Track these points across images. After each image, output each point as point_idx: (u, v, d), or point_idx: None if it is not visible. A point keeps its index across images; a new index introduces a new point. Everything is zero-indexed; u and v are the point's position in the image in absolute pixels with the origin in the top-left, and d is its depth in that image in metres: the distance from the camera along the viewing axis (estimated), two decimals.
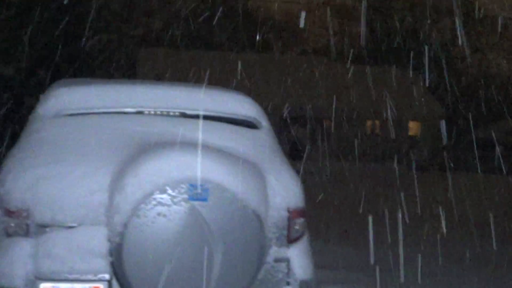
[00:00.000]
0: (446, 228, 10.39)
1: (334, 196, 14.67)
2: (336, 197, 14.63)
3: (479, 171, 23.00)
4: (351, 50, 34.14)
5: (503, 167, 20.58)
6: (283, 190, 4.42)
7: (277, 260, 4.37)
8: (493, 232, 9.71)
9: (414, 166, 30.13)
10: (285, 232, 4.40)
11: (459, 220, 11.89)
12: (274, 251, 4.35)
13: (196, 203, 3.89)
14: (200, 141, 4.14)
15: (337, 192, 15.75)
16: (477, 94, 39.13)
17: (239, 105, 4.98)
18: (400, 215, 8.71)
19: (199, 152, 3.95)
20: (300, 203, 4.50)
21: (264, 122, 4.96)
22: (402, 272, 7.08)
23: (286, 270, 4.39)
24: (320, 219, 10.48)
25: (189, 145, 4.12)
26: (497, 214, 12.88)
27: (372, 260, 7.36)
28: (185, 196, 3.89)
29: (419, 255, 7.52)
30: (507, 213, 14.37)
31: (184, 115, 4.76)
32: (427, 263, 7.88)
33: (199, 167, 3.88)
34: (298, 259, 4.47)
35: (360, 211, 11.95)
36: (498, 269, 8.29)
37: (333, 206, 13.09)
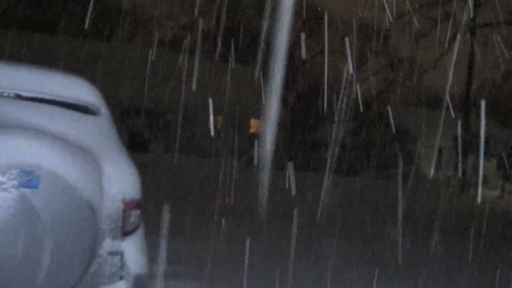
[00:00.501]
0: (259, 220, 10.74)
1: (173, 189, 14.65)
2: (176, 191, 14.60)
3: (310, 170, 23.90)
4: (199, 43, 34.19)
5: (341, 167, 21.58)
6: (120, 181, 4.25)
7: (111, 253, 4.20)
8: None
9: (253, 163, 30.72)
10: (119, 224, 4.24)
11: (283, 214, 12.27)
12: (108, 244, 4.18)
13: (26, 190, 3.65)
14: (33, 125, 3.90)
15: (175, 185, 15.72)
16: (317, 95, 40.57)
17: (78, 89, 4.75)
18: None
19: (32, 136, 3.71)
20: (136, 194, 4.36)
21: (103, 109, 4.76)
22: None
23: (119, 264, 4.24)
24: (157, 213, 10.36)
25: (22, 128, 3.86)
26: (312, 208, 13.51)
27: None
28: (15, 182, 3.63)
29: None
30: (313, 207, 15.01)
31: (19, 97, 4.47)
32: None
33: (30, 152, 3.64)
34: (132, 252, 4.32)
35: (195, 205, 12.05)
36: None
37: (172, 198, 13.02)
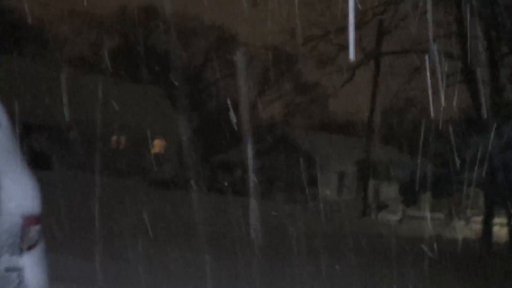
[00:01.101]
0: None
1: (71, 208, 14.38)
2: (74, 209, 14.33)
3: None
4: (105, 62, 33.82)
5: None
6: (19, 195, 4.10)
7: (9, 269, 4.03)
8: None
9: (157, 182, 30.43)
10: (18, 240, 4.08)
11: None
12: (6, 260, 4.00)
13: None
14: None
15: (75, 204, 15.43)
16: (223, 116, 40.68)
17: None
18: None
19: None
20: (36, 209, 4.22)
21: (3, 121, 4.59)
22: None
23: (17, 280, 4.08)
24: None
25: None
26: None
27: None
28: None
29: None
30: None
31: None
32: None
33: None
34: (31, 268, 4.16)
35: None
36: None
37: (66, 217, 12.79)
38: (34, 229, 4.18)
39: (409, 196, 21.73)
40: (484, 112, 18.19)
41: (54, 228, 10.24)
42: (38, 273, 4.22)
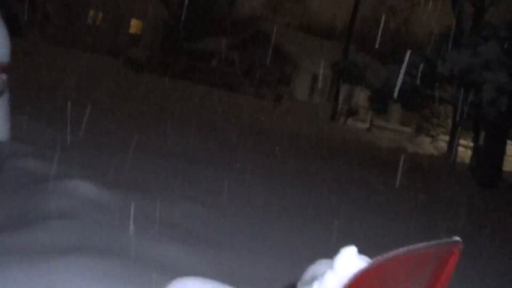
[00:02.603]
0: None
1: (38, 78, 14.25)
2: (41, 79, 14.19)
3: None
4: None
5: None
6: None
7: None
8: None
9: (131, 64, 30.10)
10: None
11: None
12: None
13: None
14: None
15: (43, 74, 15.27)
16: (200, 6, 39.84)
17: None
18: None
19: None
20: (4, 57, 4.09)
21: None
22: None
23: None
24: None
25: None
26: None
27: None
28: None
29: None
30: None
31: None
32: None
33: None
34: None
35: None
36: None
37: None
38: (1, 78, 4.07)
39: (379, 105, 21.81)
40: (466, 30, 18.08)
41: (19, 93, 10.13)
42: (1, 122, 4.14)
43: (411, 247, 1.69)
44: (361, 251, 1.60)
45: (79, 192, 5.24)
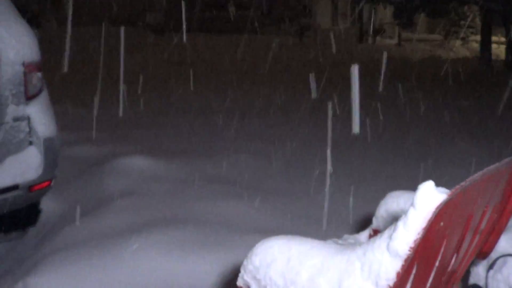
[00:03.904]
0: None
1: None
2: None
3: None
4: None
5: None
6: (16, 43, 4.00)
7: (17, 119, 4.03)
8: None
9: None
10: (22, 89, 4.03)
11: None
12: (12, 110, 3.98)
13: None
14: None
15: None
16: None
17: None
18: None
19: None
20: (36, 56, 4.13)
21: None
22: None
23: (27, 129, 4.08)
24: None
25: None
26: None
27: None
28: None
29: None
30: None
31: None
32: None
33: None
34: (38, 116, 4.16)
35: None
36: None
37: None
38: (36, 76, 4.13)
39: (405, 17, 21.43)
40: None
41: (55, 81, 10.21)
42: (46, 120, 4.22)
43: (485, 170, 1.71)
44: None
45: (135, 169, 5.33)
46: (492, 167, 1.75)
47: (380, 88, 10.36)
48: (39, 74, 4.17)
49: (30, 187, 4.08)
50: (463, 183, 1.58)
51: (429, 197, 1.52)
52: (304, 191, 5.17)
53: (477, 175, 1.65)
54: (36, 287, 3.34)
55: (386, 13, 31.22)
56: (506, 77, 14.98)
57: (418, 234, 1.53)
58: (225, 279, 3.40)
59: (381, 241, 1.63)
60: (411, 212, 1.54)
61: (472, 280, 2.75)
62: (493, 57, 21.10)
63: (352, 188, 5.05)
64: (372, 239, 1.69)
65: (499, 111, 9.94)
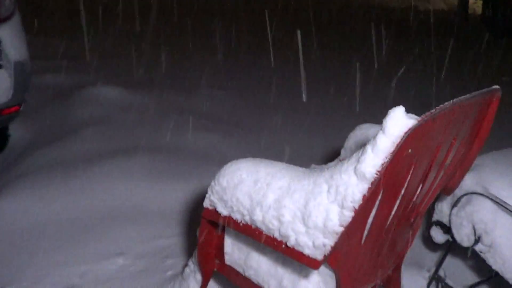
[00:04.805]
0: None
1: None
2: None
3: None
4: None
5: None
6: None
7: None
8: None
9: None
10: None
11: None
12: None
13: None
14: None
15: None
16: None
17: None
18: None
19: None
20: None
21: None
22: None
23: None
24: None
25: None
26: None
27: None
28: None
29: None
30: None
31: None
32: None
33: None
34: (10, 39, 4.06)
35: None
36: None
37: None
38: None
39: None
40: None
41: (27, 10, 9.98)
42: (17, 44, 4.13)
43: (456, 100, 1.72)
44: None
45: (104, 98, 5.28)
46: (463, 97, 1.76)
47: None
48: None
49: None
50: (433, 111, 1.59)
51: (398, 122, 1.53)
52: (273, 127, 5.20)
53: (447, 104, 1.66)
54: (3, 210, 3.33)
55: None
56: (480, 31, 15.04)
57: (386, 158, 1.54)
58: (193, 205, 3.43)
59: (348, 165, 1.64)
60: (380, 136, 1.55)
61: (436, 217, 2.79)
62: (470, 11, 21.06)
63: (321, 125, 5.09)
64: (340, 163, 1.71)
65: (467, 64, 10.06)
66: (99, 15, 10.60)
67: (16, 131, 4.69)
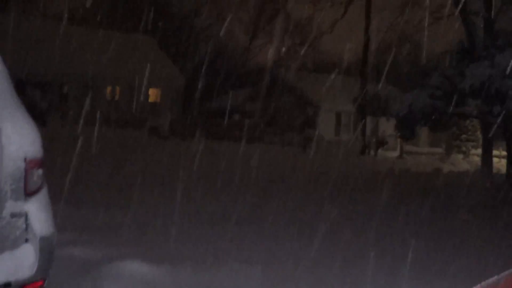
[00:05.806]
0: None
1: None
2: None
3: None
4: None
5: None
6: (20, 139, 4.00)
7: (14, 215, 3.96)
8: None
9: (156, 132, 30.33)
10: (22, 184, 3.99)
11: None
12: (10, 205, 3.92)
13: None
14: None
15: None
16: (215, 64, 40.35)
17: None
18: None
19: None
20: (38, 153, 4.13)
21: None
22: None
23: (24, 226, 4.01)
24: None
25: None
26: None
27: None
28: None
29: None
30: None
31: None
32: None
33: None
34: (37, 213, 4.09)
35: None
36: None
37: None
38: (37, 173, 4.10)
39: (406, 131, 21.65)
40: (479, 42, 18.05)
41: (57, 180, 10.19)
42: (44, 218, 4.15)
43: (483, 283, 1.67)
44: None
45: (129, 275, 5.23)
46: (490, 280, 1.71)
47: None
48: (40, 171, 4.14)
49: (22, 285, 3.98)
50: None
51: None
52: None
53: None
54: None
55: (388, 125, 31.67)
56: (506, 191, 15.00)
57: None
58: None
59: None
60: None
61: None
62: (494, 170, 21.20)
63: None
64: None
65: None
66: (136, 184, 10.80)
67: None
